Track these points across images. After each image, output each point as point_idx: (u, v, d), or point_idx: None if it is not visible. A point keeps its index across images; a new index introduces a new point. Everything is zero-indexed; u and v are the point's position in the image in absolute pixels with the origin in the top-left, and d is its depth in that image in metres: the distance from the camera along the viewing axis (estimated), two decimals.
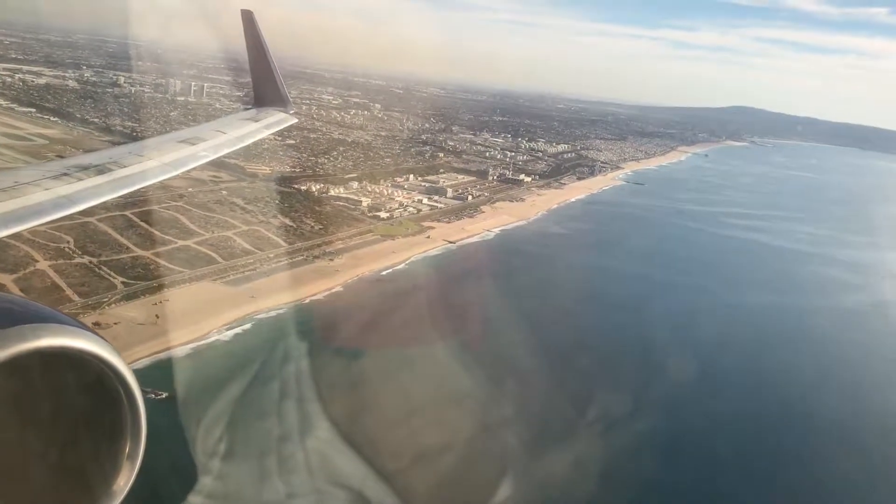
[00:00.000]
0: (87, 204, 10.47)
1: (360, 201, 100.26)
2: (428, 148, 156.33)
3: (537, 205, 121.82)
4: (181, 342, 53.57)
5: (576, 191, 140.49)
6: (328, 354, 54.83)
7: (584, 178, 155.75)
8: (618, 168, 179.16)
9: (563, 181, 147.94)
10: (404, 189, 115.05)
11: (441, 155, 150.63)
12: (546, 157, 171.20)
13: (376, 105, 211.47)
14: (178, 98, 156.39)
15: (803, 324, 76.78)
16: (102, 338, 4.18)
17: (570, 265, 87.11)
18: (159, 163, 12.94)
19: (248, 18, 20.31)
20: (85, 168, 11.38)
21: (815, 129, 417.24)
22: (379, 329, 61.71)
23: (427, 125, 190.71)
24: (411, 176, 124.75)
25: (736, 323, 72.70)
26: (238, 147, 16.34)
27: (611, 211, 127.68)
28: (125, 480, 4.29)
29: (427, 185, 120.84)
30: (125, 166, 12.08)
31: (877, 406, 59.44)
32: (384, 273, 76.26)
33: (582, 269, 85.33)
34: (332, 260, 77.80)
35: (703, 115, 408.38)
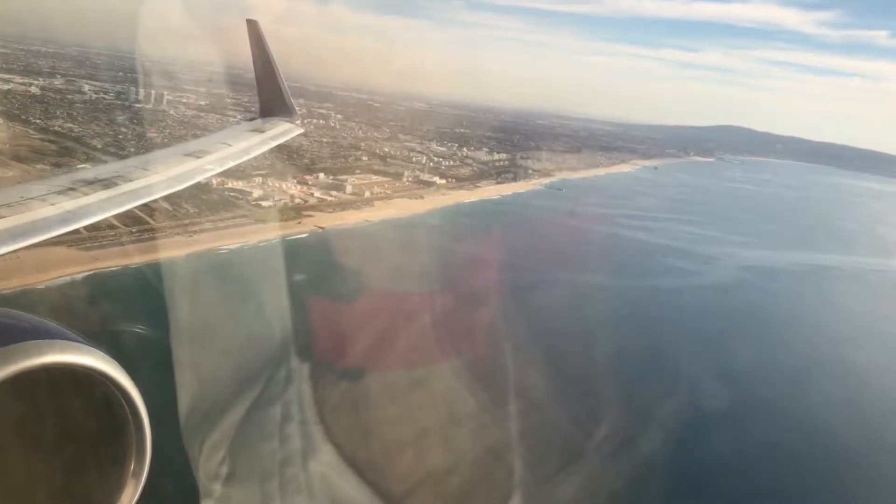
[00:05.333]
0: (93, 219, 10.80)
1: (251, 192, 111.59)
2: (359, 153, 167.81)
3: (433, 202, 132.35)
4: (11, 286, 65.20)
5: (484, 193, 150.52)
6: (141, 295, 65.69)
7: (503, 183, 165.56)
8: (548, 176, 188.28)
9: (479, 185, 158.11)
10: (307, 185, 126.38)
11: (365, 158, 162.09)
12: (476, 164, 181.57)
13: (337, 116, 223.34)
14: (136, 105, 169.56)
15: (597, 298, 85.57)
16: (109, 356, 4.24)
17: (415, 246, 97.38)
18: (165, 177, 13.53)
19: (253, 28, 20.79)
20: (91, 183, 11.68)
21: (796, 147, 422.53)
22: (200, 293, 72.12)
23: (376, 134, 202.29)
24: (321, 174, 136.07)
25: (532, 293, 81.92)
26: (244, 159, 16.88)
27: (502, 209, 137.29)
28: (129, 498, 4.36)
29: (331, 181, 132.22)
30: (131, 180, 12.44)
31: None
32: (232, 248, 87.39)
33: (426, 250, 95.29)
34: (191, 236, 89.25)
35: (687, 133, 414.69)
